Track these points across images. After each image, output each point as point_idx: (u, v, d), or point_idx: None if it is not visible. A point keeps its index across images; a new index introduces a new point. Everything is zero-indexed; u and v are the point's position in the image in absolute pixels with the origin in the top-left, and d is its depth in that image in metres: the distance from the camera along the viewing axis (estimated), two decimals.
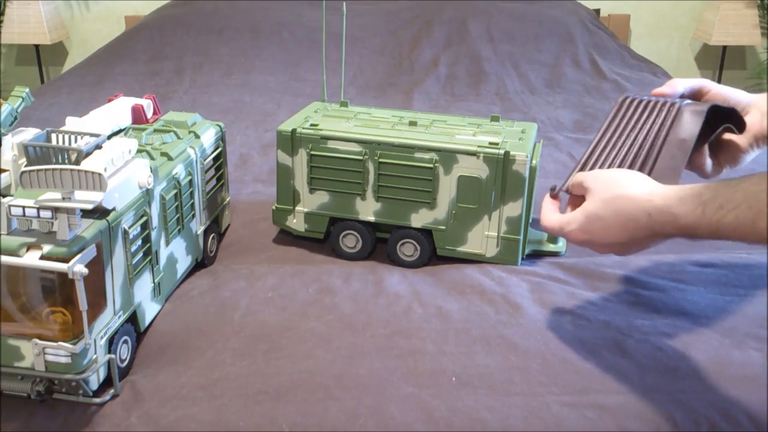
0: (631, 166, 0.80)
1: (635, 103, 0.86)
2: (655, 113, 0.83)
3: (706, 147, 0.86)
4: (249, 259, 1.02)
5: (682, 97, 0.88)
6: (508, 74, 2.06)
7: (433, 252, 1.01)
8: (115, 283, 0.75)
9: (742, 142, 0.85)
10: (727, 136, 0.86)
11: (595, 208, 0.71)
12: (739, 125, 0.84)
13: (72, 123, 0.88)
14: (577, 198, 0.78)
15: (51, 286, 0.68)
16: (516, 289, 0.91)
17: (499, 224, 0.97)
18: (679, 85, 0.88)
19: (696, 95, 0.89)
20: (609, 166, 0.82)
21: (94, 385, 0.72)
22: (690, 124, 0.80)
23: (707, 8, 2.71)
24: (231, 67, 2.05)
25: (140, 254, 0.81)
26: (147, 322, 0.84)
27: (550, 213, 0.79)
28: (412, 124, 1.02)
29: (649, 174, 0.79)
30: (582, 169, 0.83)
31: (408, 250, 1.00)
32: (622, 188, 0.69)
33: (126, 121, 0.97)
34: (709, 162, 0.87)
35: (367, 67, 2.11)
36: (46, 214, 0.66)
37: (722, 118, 0.84)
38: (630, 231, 0.69)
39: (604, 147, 0.84)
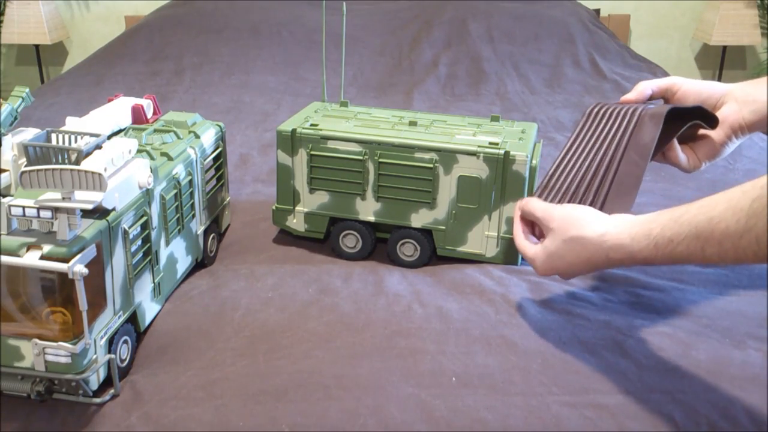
0: (594, 175, 0.82)
1: (602, 112, 0.87)
2: (618, 121, 0.84)
3: (675, 143, 0.86)
4: (249, 259, 1.02)
5: (652, 98, 0.89)
6: (508, 74, 2.06)
7: (433, 252, 1.01)
8: (115, 283, 0.75)
9: (719, 135, 0.86)
10: (703, 131, 0.87)
11: (556, 248, 0.75)
12: (711, 120, 0.84)
13: (72, 123, 0.88)
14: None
15: (51, 286, 0.68)
16: (516, 289, 0.91)
17: (499, 224, 0.97)
18: (646, 88, 0.89)
19: (666, 95, 0.90)
20: (574, 177, 0.83)
21: (94, 385, 0.72)
22: (649, 128, 0.81)
23: (707, 8, 2.71)
24: (231, 67, 2.05)
25: (140, 254, 0.81)
26: (147, 322, 0.84)
27: (521, 237, 0.83)
28: (412, 124, 1.02)
29: (612, 179, 0.81)
30: (549, 179, 0.85)
31: (408, 250, 1.00)
32: (577, 229, 0.73)
33: (126, 121, 0.97)
34: (683, 156, 0.87)
35: (367, 67, 2.11)
36: (46, 214, 0.66)
37: (694, 115, 0.84)
38: (591, 266, 0.74)
39: (571, 157, 0.85)
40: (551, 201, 0.83)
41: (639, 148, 0.81)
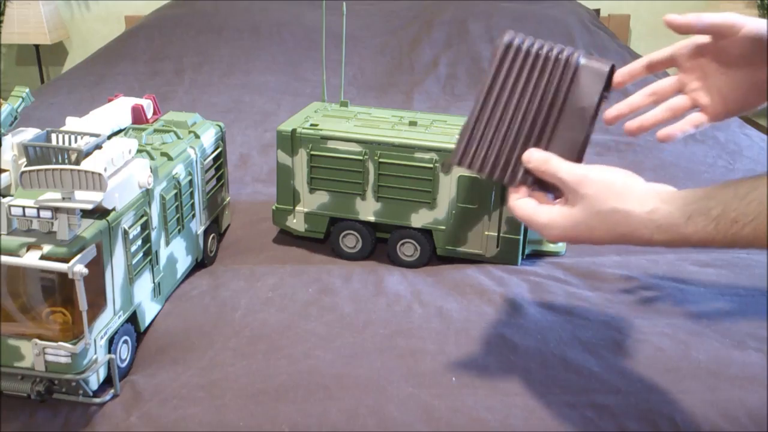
0: (527, 139, 0.68)
1: (522, 53, 0.70)
2: (548, 71, 0.69)
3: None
4: (249, 259, 1.02)
5: (701, 32, 0.70)
6: None
7: (433, 252, 1.01)
8: (115, 283, 0.75)
9: None
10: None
11: (586, 218, 0.63)
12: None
13: (72, 123, 0.88)
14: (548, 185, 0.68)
15: (51, 286, 0.68)
16: (516, 289, 0.91)
17: (499, 224, 0.97)
18: (698, 21, 0.69)
19: (718, 35, 0.70)
20: (504, 138, 0.69)
21: (94, 385, 0.72)
22: (589, 88, 0.68)
23: (707, 8, 2.71)
24: (231, 67, 2.05)
25: (140, 254, 0.81)
26: (147, 322, 0.84)
27: (522, 201, 0.68)
28: (412, 124, 1.02)
29: (547, 148, 0.68)
30: (471, 136, 0.69)
31: (408, 250, 1.00)
32: (620, 201, 0.61)
33: (126, 121, 0.97)
34: (705, 101, 0.73)
35: (367, 67, 2.11)
36: (46, 214, 0.66)
37: None
38: (626, 242, 0.63)
39: (492, 110, 0.70)
40: (476, 168, 0.70)
41: (578, 111, 0.68)
